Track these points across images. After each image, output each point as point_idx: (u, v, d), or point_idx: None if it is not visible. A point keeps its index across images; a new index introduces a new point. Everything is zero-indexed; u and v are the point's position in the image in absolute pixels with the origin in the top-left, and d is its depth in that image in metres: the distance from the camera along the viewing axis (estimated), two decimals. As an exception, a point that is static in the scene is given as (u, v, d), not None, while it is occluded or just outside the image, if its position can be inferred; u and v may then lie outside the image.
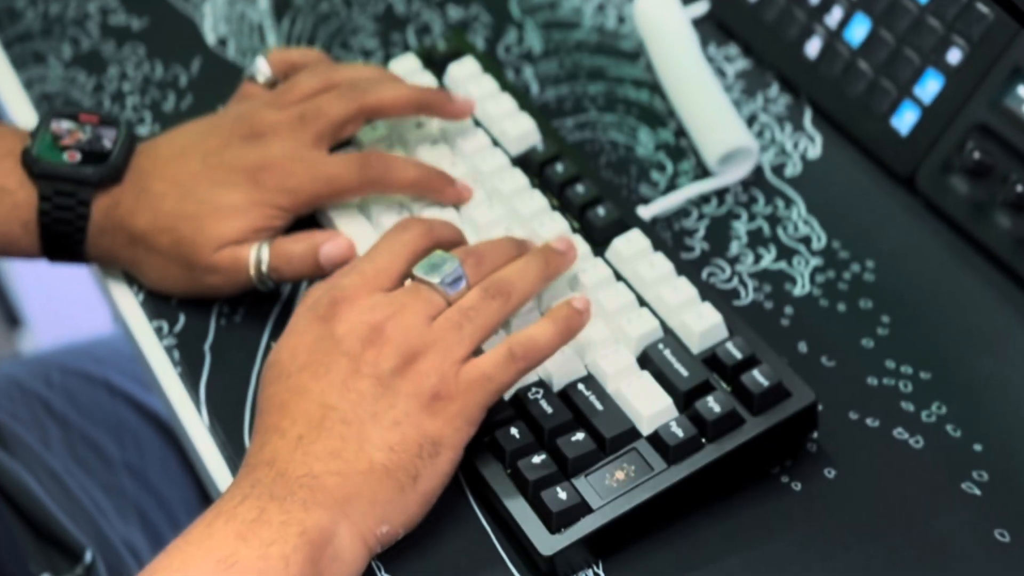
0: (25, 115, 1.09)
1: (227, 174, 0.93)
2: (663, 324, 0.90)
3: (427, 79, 1.03)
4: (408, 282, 0.87)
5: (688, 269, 0.92)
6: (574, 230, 0.94)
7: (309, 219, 0.97)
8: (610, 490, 0.83)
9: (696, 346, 0.88)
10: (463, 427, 0.83)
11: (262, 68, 1.01)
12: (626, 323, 0.89)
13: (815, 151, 1.03)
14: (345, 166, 0.94)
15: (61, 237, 0.95)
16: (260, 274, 0.94)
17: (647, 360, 0.88)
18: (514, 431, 0.85)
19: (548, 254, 0.90)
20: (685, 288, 0.90)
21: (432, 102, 0.97)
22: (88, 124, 0.97)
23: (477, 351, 0.85)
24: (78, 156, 0.95)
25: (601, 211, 0.94)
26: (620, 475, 0.84)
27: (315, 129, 0.95)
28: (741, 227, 0.99)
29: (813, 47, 1.04)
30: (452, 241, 0.90)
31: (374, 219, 0.96)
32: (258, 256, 0.93)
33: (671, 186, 1.02)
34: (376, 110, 0.96)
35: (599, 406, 0.86)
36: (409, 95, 0.97)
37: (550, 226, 0.93)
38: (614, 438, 0.85)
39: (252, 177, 0.93)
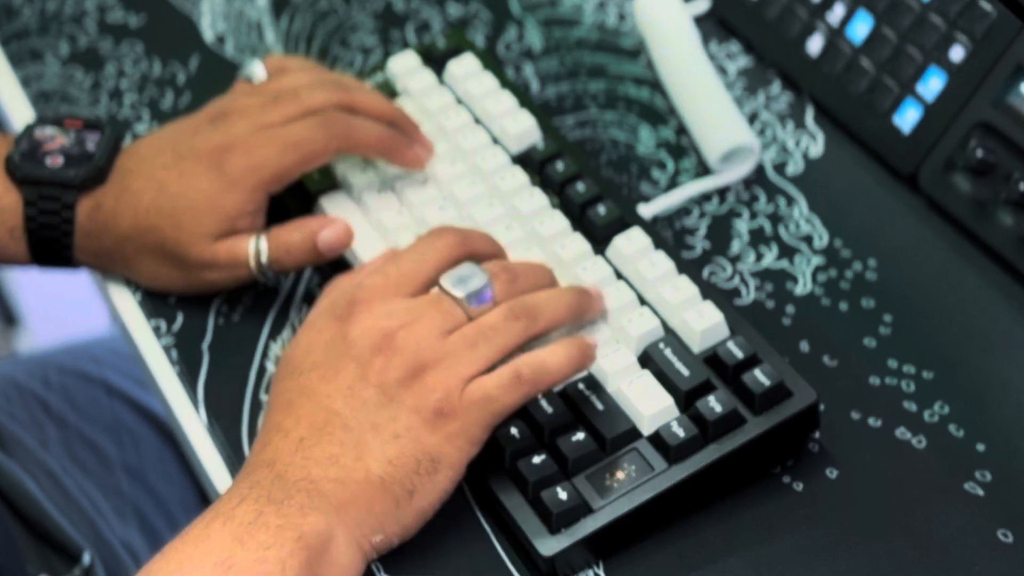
0: (23, 113, 1.09)
1: (194, 163, 0.93)
2: (664, 323, 0.89)
3: (426, 77, 1.03)
4: (434, 290, 0.86)
5: (689, 268, 0.91)
6: (574, 228, 0.94)
7: (304, 210, 0.97)
8: (610, 490, 0.83)
9: (697, 345, 0.88)
10: (464, 446, 0.82)
11: (257, 71, 1.00)
12: (627, 322, 0.88)
13: (817, 149, 1.02)
14: (308, 128, 0.93)
15: (49, 242, 0.94)
16: (260, 266, 0.93)
17: (648, 359, 0.87)
18: (514, 431, 0.85)
19: (583, 292, 0.88)
20: (686, 287, 0.90)
21: (403, 123, 0.97)
22: (72, 129, 0.96)
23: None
24: (60, 160, 0.94)
25: (601, 209, 0.94)
26: (621, 475, 0.83)
27: (286, 111, 0.93)
28: (742, 225, 0.98)
29: (815, 44, 1.04)
30: (489, 254, 0.88)
31: (370, 211, 0.96)
32: (257, 248, 0.93)
33: (672, 184, 1.01)
34: (351, 110, 0.95)
35: (599, 406, 0.85)
36: (387, 108, 0.96)
37: (550, 224, 0.93)
38: (615, 438, 0.84)
39: (216, 162, 0.92)
